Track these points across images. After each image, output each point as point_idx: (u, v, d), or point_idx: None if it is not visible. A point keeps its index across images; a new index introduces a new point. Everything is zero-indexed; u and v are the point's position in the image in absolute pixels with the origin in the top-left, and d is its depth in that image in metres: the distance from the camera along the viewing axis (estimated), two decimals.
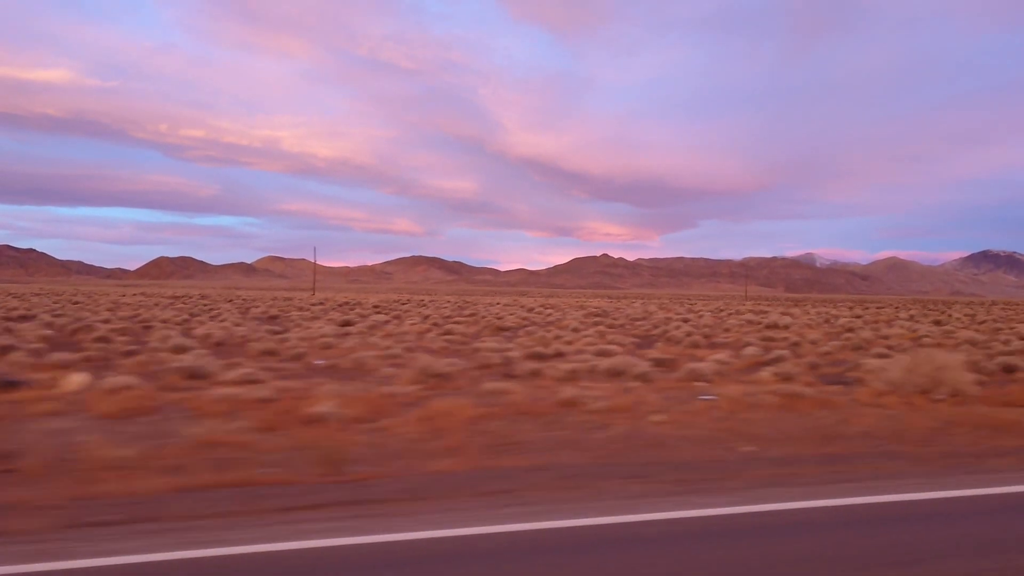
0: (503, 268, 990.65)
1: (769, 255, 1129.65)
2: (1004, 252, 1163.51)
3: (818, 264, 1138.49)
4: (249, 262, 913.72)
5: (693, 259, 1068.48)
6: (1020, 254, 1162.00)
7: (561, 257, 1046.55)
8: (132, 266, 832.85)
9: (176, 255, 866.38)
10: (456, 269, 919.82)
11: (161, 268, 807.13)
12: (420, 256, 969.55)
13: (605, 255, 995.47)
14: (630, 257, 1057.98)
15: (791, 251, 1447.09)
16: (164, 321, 35.21)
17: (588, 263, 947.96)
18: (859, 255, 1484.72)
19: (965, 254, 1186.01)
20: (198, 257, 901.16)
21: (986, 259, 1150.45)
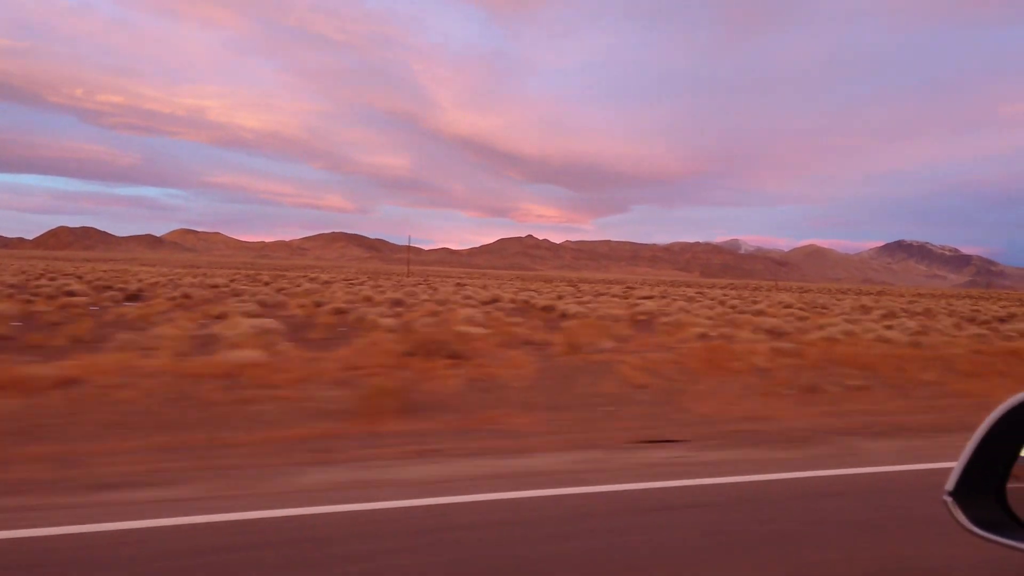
0: (427, 247, 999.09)
1: (699, 240, 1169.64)
2: (917, 242, 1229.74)
3: (742, 250, 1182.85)
4: (158, 235, 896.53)
5: (619, 242, 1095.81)
6: (932, 245, 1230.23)
7: (491, 238, 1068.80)
8: (35, 235, 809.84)
9: (77, 225, 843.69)
10: (376, 246, 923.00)
11: (59, 238, 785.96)
12: (339, 232, 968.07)
13: (530, 236, 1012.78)
14: (559, 239, 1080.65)
15: (720, 237, 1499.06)
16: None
17: (512, 244, 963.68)
18: (785, 242, 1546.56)
19: (881, 244, 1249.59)
20: (100, 227, 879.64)
21: (900, 249, 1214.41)
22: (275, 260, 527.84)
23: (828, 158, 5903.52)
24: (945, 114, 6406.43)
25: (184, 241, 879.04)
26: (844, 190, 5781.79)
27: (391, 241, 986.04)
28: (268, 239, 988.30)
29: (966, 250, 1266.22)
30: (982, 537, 1.17)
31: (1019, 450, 1.21)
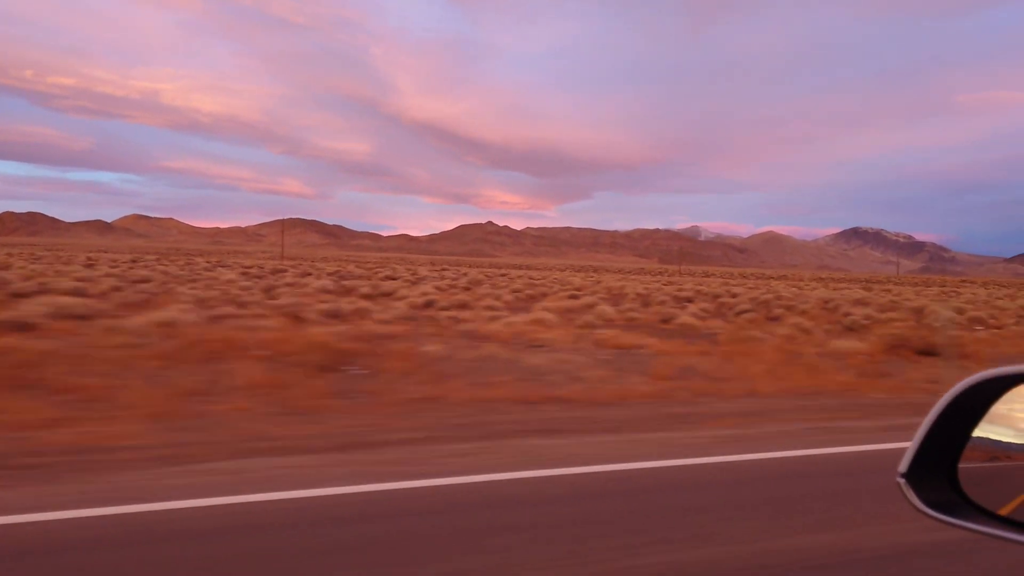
0: (386, 233, 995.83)
1: (660, 227, 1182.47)
2: (872, 229, 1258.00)
3: (702, 237, 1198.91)
4: (108, 220, 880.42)
5: (579, 229, 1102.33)
6: (886, 231, 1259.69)
7: (452, 224, 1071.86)
8: None
9: (25, 211, 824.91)
10: (334, 233, 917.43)
11: (5, 224, 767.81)
12: (297, 218, 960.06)
13: (490, 222, 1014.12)
14: (521, 225, 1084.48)
15: (681, 224, 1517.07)
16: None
17: (472, 230, 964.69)
18: (745, 229, 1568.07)
19: (837, 230, 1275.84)
20: (50, 213, 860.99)
21: (856, 235, 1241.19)
22: (230, 246, 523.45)
23: (788, 146, 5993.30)
24: (902, 103, 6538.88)
25: (136, 227, 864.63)
26: (803, 178, 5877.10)
27: (349, 227, 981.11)
28: (223, 225, 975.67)
29: (920, 237, 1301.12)
30: (934, 518, 1.19)
31: (970, 432, 1.25)
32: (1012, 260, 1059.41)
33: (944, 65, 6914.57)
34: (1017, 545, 1.09)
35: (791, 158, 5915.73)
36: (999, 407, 1.23)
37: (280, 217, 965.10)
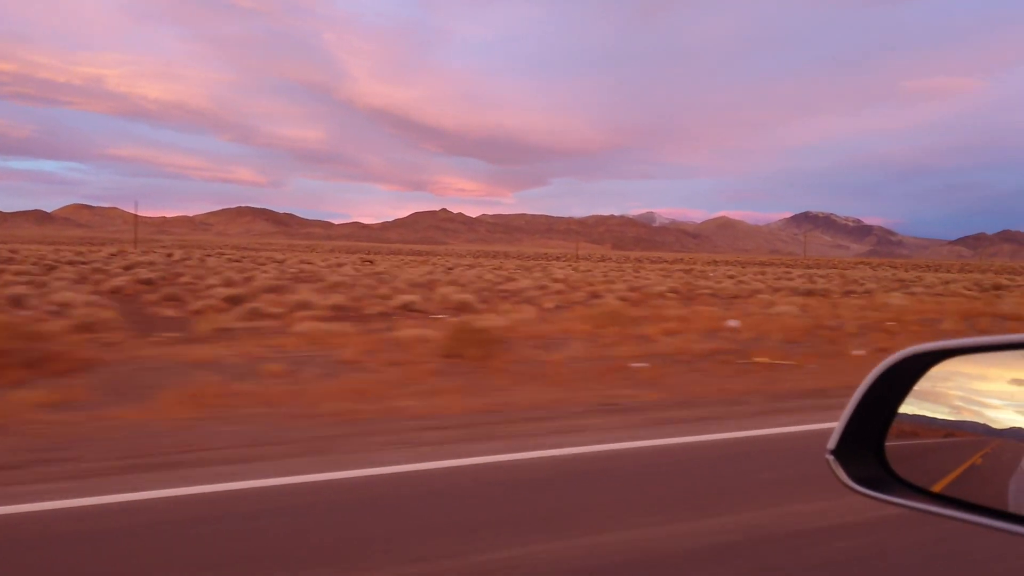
0: (338, 222, 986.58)
1: (617, 213, 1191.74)
2: (822, 213, 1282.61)
3: (656, 223, 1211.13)
4: (48, 210, 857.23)
5: (534, 216, 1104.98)
6: (836, 216, 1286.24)
7: (406, 211, 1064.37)
8: None
9: None
10: (284, 221, 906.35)
11: None
12: (246, 207, 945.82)
13: (444, 210, 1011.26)
14: (478, 213, 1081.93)
15: (636, 210, 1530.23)
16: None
17: (425, 217, 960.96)
18: (699, 214, 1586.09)
19: (789, 215, 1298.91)
20: None
21: (807, 220, 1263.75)
22: (176, 236, 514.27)
23: (741, 132, 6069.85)
24: (850, 89, 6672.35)
25: (78, 217, 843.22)
26: (756, 163, 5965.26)
27: (301, 216, 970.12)
28: (170, 214, 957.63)
29: (868, 221, 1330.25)
30: (862, 494, 1.22)
31: (896, 408, 1.27)
32: (955, 243, 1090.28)
33: (891, 52, 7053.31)
34: (940, 518, 1.13)
35: (744, 144, 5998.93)
36: (924, 383, 1.26)
37: (229, 206, 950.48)
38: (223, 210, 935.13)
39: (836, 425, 1.24)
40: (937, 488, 1.22)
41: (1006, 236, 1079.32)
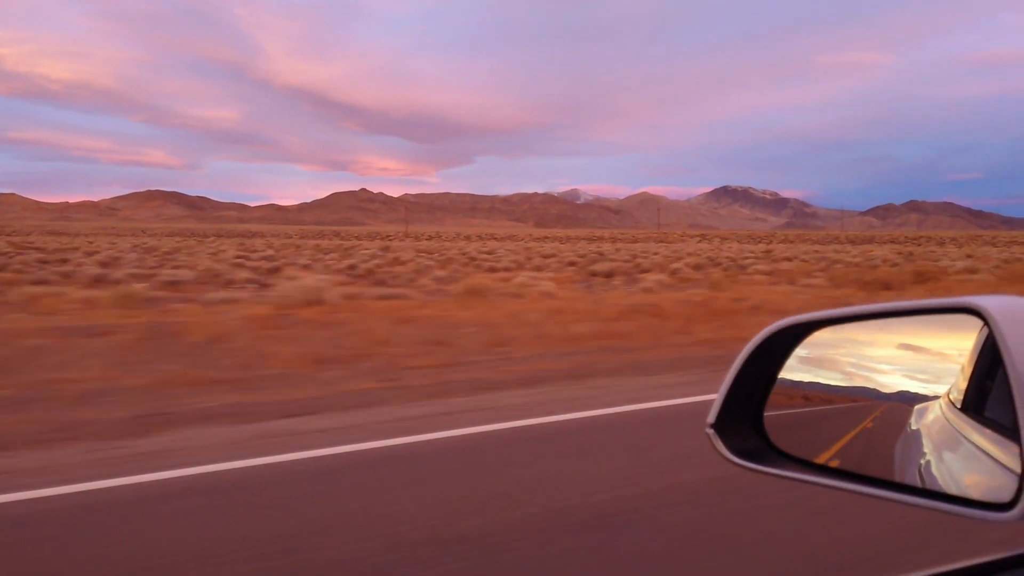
0: (254, 204, 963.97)
1: (542, 191, 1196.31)
2: (741, 187, 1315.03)
3: (581, 200, 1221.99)
4: None
5: (459, 195, 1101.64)
6: (754, 189, 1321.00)
7: (326, 192, 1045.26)
8: None
9: None
10: (197, 205, 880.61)
11: None
12: (155, 190, 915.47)
13: (364, 190, 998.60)
14: (402, 192, 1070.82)
15: (562, 187, 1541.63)
16: None
17: (345, 198, 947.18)
18: (624, 191, 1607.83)
19: (709, 189, 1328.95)
20: None
21: (726, 194, 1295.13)
22: (79, 222, 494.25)
23: (662, 107, 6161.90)
24: (767, 64, 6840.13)
25: None
26: (677, 138, 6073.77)
27: (215, 199, 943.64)
28: (73, 199, 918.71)
29: (785, 194, 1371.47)
30: (742, 466, 1.23)
31: (774, 379, 1.29)
32: (866, 213, 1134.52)
33: (804, 27, 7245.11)
34: (821, 487, 1.16)
35: (666, 119, 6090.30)
36: (816, 351, 1.29)
37: (141, 189, 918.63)
38: (132, 194, 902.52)
39: (715, 398, 1.25)
40: (824, 456, 1.23)
41: (913, 206, 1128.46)
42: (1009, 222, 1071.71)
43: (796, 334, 1.30)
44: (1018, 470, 0.85)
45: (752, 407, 1.31)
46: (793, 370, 1.30)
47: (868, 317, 1.23)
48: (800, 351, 1.30)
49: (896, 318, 1.16)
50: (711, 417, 1.25)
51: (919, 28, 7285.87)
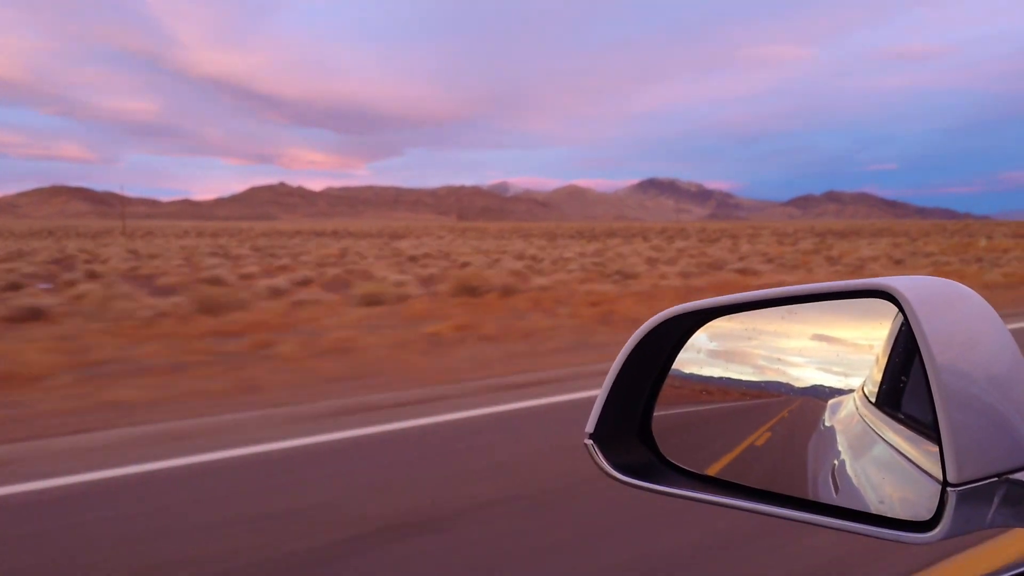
0: (167, 199, 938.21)
1: (472, 183, 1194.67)
2: (667, 179, 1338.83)
3: (510, 193, 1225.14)
4: None
5: (383, 188, 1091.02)
6: (680, 181, 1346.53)
7: (245, 186, 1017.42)
8: None
9: None
10: (105, 200, 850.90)
11: None
12: (61, 186, 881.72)
13: (282, 183, 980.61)
14: (328, 185, 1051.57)
15: (492, 179, 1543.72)
16: None
17: (262, 192, 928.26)
18: (554, 183, 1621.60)
19: (636, 181, 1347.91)
20: None
21: (652, 186, 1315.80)
22: None
23: (589, 99, 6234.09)
24: (691, 57, 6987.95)
25: None
26: (605, 131, 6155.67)
27: (128, 194, 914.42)
28: None
29: (709, 185, 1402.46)
30: (626, 483, 1.07)
31: (660, 381, 1.16)
32: (788, 204, 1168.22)
33: (728, 20, 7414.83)
34: (715, 506, 1.02)
35: (593, 111, 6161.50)
36: (724, 343, 1.16)
37: (54, 184, 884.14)
38: (35, 190, 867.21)
39: (594, 404, 1.09)
40: (724, 461, 1.11)
41: (831, 196, 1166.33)
42: (923, 212, 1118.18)
43: (687, 325, 1.17)
44: (937, 475, 0.78)
45: (638, 412, 1.17)
46: (694, 364, 1.17)
47: (768, 304, 1.11)
48: (705, 343, 1.17)
49: (799, 304, 1.06)
50: (590, 426, 1.09)
51: (837, 22, 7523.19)
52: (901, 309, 0.83)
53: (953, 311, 0.79)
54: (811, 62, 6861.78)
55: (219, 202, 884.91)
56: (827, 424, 1.00)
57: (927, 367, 0.74)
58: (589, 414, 1.10)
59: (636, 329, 1.11)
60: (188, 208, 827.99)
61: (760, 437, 1.09)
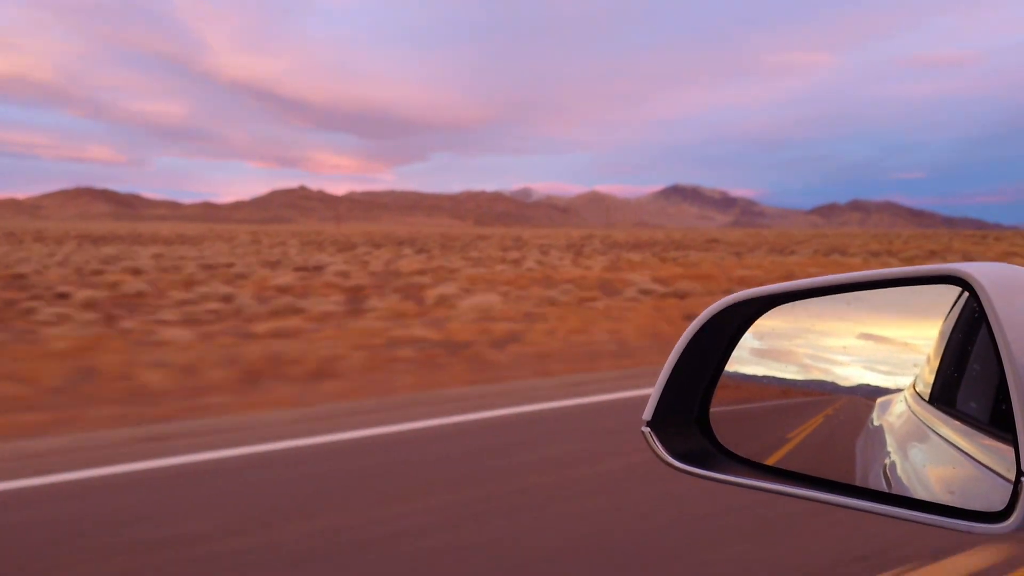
0: (188, 201, 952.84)
1: (495, 189, 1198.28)
2: (690, 186, 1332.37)
3: (532, 199, 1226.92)
4: None
5: (403, 192, 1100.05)
6: (703, 188, 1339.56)
7: (267, 189, 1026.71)
8: None
9: None
10: (128, 203, 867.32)
11: None
12: (84, 188, 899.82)
13: (302, 187, 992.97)
14: (350, 190, 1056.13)
15: (515, 185, 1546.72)
16: None
17: (281, 196, 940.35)
18: (577, 189, 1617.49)
19: (659, 188, 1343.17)
20: None
21: (675, 192, 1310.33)
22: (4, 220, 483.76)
23: (614, 105, 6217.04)
24: (716, 63, 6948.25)
25: None
26: (630, 137, 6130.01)
27: (151, 196, 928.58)
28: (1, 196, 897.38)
29: (733, 193, 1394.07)
30: (683, 471, 1.06)
31: (722, 368, 1.13)
32: (811, 212, 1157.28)
33: (752, 27, 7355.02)
34: (774, 495, 0.99)
35: (618, 117, 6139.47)
36: (770, 342, 1.12)
37: (83, 186, 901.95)
38: (59, 191, 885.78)
39: (652, 392, 1.07)
40: (776, 456, 1.09)
41: (855, 205, 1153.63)
42: (949, 222, 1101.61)
43: (747, 315, 1.13)
44: (1002, 471, 0.73)
45: (696, 401, 1.14)
46: (745, 362, 1.14)
47: (832, 290, 1.05)
48: (753, 343, 1.14)
49: (862, 291, 1.01)
50: (647, 414, 1.06)
51: (864, 29, 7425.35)
52: (974, 295, 0.78)
53: None
54: (837, 69, 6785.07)
55: (238, 205, 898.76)
56: (876, 423, 0.97)
57: (1002, 354, 0.71)
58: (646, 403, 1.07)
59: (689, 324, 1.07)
60: (207, 211, 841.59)
61: (805, 433, 1.06)
